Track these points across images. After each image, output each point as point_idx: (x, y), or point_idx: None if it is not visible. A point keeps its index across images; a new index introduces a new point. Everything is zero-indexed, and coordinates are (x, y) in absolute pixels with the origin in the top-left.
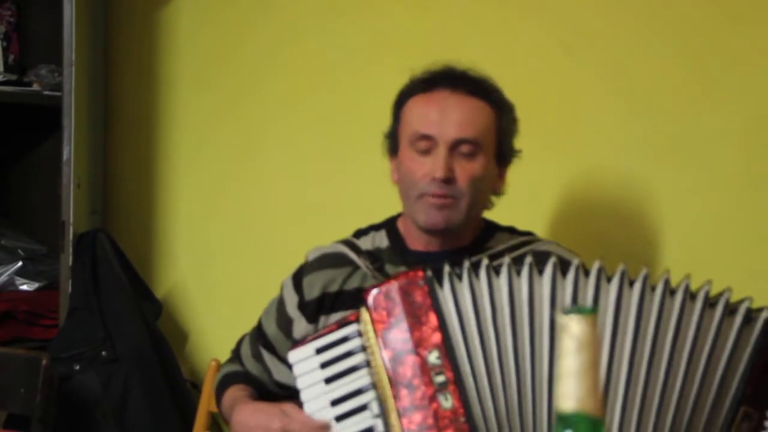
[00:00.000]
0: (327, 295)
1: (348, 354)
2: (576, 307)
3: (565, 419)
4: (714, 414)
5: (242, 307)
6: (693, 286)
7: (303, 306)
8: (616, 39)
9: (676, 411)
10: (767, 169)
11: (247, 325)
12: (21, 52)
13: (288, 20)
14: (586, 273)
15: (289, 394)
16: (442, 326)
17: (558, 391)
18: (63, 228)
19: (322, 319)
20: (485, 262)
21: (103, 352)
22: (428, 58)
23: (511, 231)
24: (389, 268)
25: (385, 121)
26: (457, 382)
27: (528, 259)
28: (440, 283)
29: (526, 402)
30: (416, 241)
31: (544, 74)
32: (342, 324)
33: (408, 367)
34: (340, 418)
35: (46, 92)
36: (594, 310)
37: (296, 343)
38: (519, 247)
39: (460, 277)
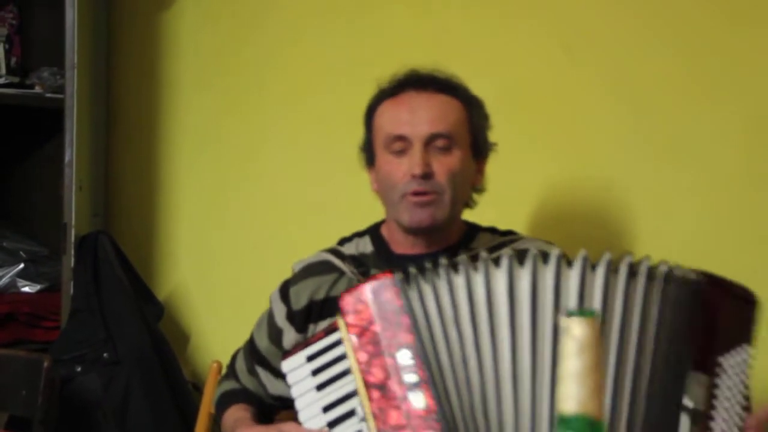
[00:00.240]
0: (314, 303)
1: (336, 360)
2: (578, 309)
3: (566, 421)
4: (667, 384)
5: (243, 309)
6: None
7: (291, 316)
8: (616, 39)
9: (633, 389)
10: (767, 169)
11: (248, 327)
12: (23, 54)
13: (289, 21)
14: (545, 260)
15: (286, 405)
16: (413, 326)
17: (559, 393)
18: (65, 230)
19: (311, 327)
20: (444, 261)
21: (105, 354)
22: (429, 58)
23: (493, 231)
24: (375, 273)
25: None
26: (429, 381)
27: (484, 255)
28: (410, 284)
29: (504, 398)
30: (400, 245)
31: (544, 74)
32: (329, 331)
33: (381, 369)
34: (332, 424)
35: (48, 95)
36: (595, 312)
37: (288, 352)
38: (501, 247)
39: (429, 278)
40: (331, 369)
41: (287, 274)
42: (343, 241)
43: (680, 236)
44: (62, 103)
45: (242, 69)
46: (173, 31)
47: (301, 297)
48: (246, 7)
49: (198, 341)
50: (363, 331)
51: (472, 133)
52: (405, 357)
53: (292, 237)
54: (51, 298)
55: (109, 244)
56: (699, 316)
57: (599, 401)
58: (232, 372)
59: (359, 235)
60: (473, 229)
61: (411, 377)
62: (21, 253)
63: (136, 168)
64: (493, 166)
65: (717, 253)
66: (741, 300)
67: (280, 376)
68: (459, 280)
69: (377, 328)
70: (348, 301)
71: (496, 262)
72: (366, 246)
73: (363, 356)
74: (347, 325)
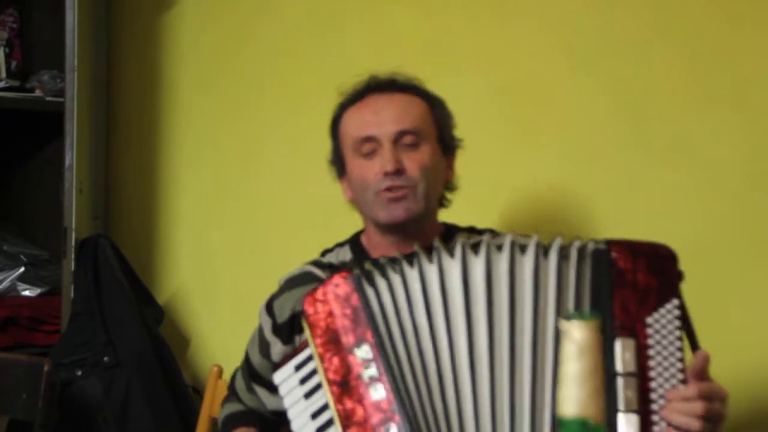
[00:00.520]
0: (297, 314)
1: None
2: (578, 312)
3: (565, 424)
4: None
5: (244, 313)
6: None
7: (276, 329)
8: (616, 41)
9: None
10: (767, 169)
11: (249, 331)
12: (23, 58)
13: (288, 24)
14: (499, 248)
15: (285, 420)
16: (370, 321)
17: (559, 396)
18: (65, 233)
19: (297, 339)
20: (399, 255)
21: (105, 358)
22: (430, 61)
23: (471, 230)
24: None
25: None
26: (387, 373)
27: (436, 244)
28: (366, 280)
29: (462, 385)
30: (379, 250)
31: (544, 76)
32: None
33: (343, 366)
34: (320, 430)
35: (49, 98)
36: (595, 316)
37: (279, 364)
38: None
39: (384, 273)
40: (316, 376)
41: None
42: (325, 252)
43: (680, 237)
44: (62, 107)
45: (242, 72)
46: (173, 34)
47: (284, 309)
48: (245, 10)
49: (198, 345)
50: (324, 331)
51: (437, 128)
52: (364, 352)
53: (292, 240)
54: (51, 301)
55: (110, 248)
56: (615, 283)
57: (599, 404)
58: (233, 392)
59: (340, 245)
60: (451, 230)
61: (371, 371)
62: (21, 256)
63: (136, 171)
64: (492, 167)
65: (717, 254)
66: (653, 256)
67: (276, 390)
68: (413, 273)
69: (337, 325)
70: (309, 302)
71: (451, 252)
72: (346, 254)
73: (326, 355)
74: (309, 325)
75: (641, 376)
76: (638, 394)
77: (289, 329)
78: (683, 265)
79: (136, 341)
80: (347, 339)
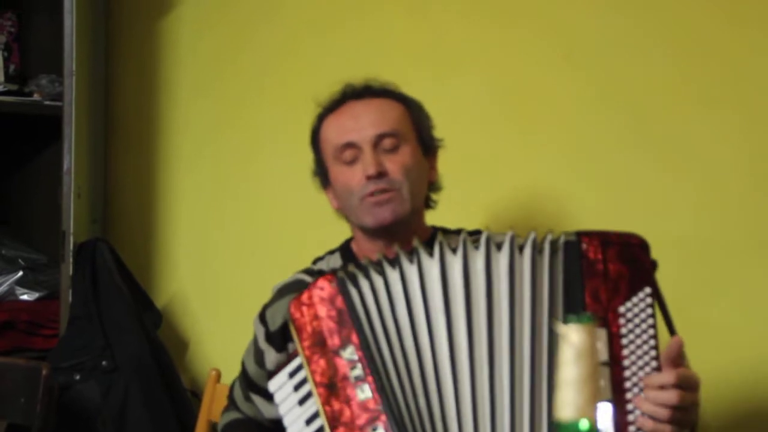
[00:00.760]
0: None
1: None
2: (575, 316)
3: (564, 428)
4: None
5: (242, 317)
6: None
7: (269, 337)
8: (615, 43)
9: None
10: (766, 170)
11: (248, 335)
12: (22, 62)
13: (287, 28)
14: (476, 245)
15: (282, 428)
16: (355, 323)
17: (557, 400)
18: (63, 237)
19: (290, 346)
20: (380, 256)
21: (104, 362)
22: (428, 64)
23: (459, 233)
24: None
25: None
26: (372, 373)
27: (416, 243)
28: (349, 282)
29: (444, 384)
30: (368, 255)
31: (543, 79)
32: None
33: (329, 368)
34: None
35: (47, 102)
36: (593, 319)
37: (274, 371)
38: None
39: (366, 274)
40: (309, 382)
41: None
42: (316, 260)
43: (680, 238)
44: (61, 111)
45: (240, 76)
46: (171, 38)
47: (276, 317)
48: (244, 14)
49: (197, 349)
50: (310, 334)
51: (416, 130)
52: (350, 353)
53: (290, 244)
54: (49, 305)
55: (108, 252)
56: (586, 273)
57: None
58: (231, 402)
59: (331, 252)
60: (439, 232)
61: (356, 372)
62: (19, 260)
63: (135, 175)
64: (492, 168)
65: (717, 254)
66: (624, 246)
67: (272, 398)
68: (394, 274)
69: (322, 328)
70: (296, 306)
71: (430, 252)
72: (336, 262)
73: (313, 357)
74: (296, 329)
75: (614, 365)
76: (612, 384)
77: (282, 337)
78: (682, 265)
79: (135, 345)
80: (333, 341)
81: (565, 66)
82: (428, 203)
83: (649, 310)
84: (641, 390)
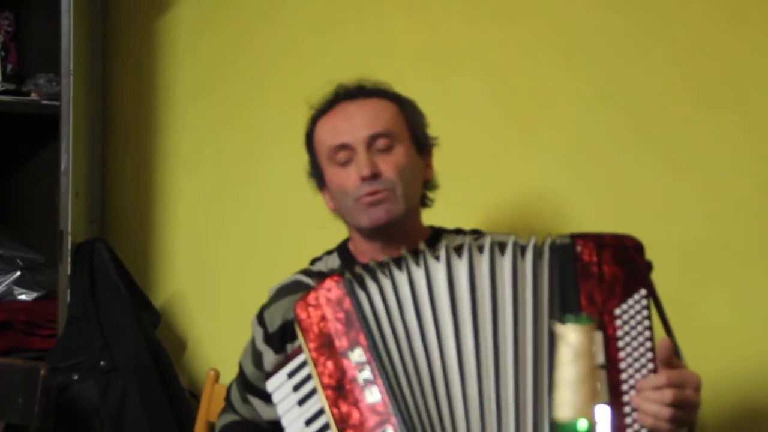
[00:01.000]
0: (288, 323)
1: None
2: (573, 316)
3: (563, 428)
4: None
5: (241, 317)
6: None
7: (268, 338)
8: (614, 43)
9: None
10: (766, 170)
11: (246, 335)
12: (19, 61)
13: (287, 28)
14: (480, 249)
15: (280, 429)
16: (363, 324)
17: (555, 400)
18: (61, 237)
19: (289, 347)
20: (387, 259)
21: (102, 362)
22: (428, 64)
23: (458, 232)
24: None
25: None
26: (382, 376)
27: (422, 247)
28: (357, 284)
29: (452, 386)
30: (366, 255)
31: (542, 79)
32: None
33: (337, 369)
34: None
35: (45, 101)
36: (591, 320)
37: (272, 371)
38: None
39: (374, 276)
40: (310, 383)
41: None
42: (314, 261)
43: (680, 238)
44: (58, 110)
45: (239, 75)
46: (170, 37)
47: (275, 319)
48: (243, 14)
49: (195, 349)
50: (317, 335)
51: (410, 129)
52: (358, 355)
53: (289, 243)
54: (47, 305)
55: (106, 252)
56: (580, 276)
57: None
58: (228, 404)
59: (329, 253)
60: (438, 233)
61: (365, 374)
62: (17, 260)
63: (133, 175)
64: (491, 168)
65: (717, 255)
66: (619, 248)
67: (270, 400)
68: (402, 276)
69: (330, 329)
70: (302, 307)
71: (436, 255)
72: (334, 262)
73: (320, 359)
74: (302, 330)
75: (611, 367)
76: (608, 386)
77: (281, 338)
78: (682, 264)
79: (133, 345)
80: (341, 343)
81: (565, 66)
82: (424, 201)
83: (645, 312)
84: (638, 391)
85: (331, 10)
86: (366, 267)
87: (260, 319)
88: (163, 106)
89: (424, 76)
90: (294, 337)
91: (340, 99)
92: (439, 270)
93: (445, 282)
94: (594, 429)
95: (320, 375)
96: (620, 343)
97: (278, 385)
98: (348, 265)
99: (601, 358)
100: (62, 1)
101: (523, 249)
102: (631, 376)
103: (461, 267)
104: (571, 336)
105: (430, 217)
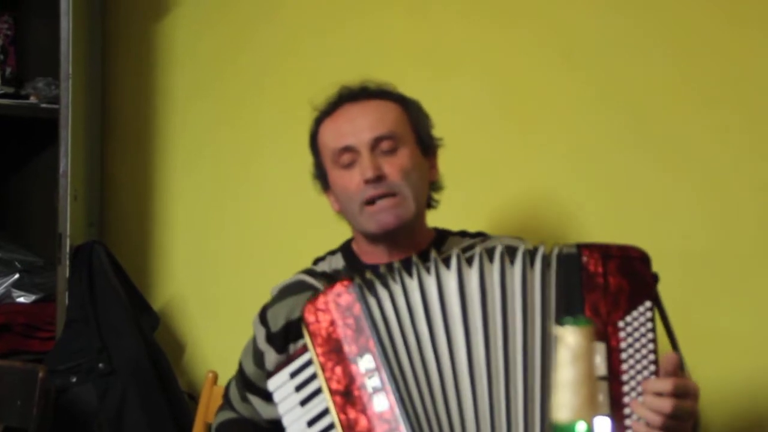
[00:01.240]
0: (291, 323)
1: (315, 376)
2: (571, 318)
3: (561, 430)
4: None
5: (240, 319)
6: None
7: (270, 338)
8: (614, 44)
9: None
10: (766, 171)
11: (245, 337)
12: (18, 65)
13: (287, 28)
14: (491, 258)
15: (280, 428)
16: (373, 331)
17: (554, 402)
18: (60, 240)
19: (291, 347)
20: (398, 265)
21: (100, 365)
22: (428, 65)
23: (463, 234)
24: None
25: None
26: (391, 383)
27: (434, 255)
28: (367, 289)
29: (463, 395)
30: (370, 256)
31: (542, 79)
32: (307, 347)
33: (345, 375)
34: None
35: (44, 105)
36: (589, 321)
37: (274, 370)
38: (470, 249)
39: (384, 282)
40: (312, 384)
41: None
42: (317, 261)
43: (680, 240)
44: (57, 114)
45: (238, 77)
46: (168, 40)
47: (278, 318)
48: (242, 16)
49: (194, 351)
50: (326, 340)
51: (414, 131)
52: (367, 362)
53: (289, 246)
54: (46, 308)
55: (105, 254)
56: (585, 286)
57: (594, 409)
58: (227, 402)
59: (332, 253)
60: (442, 235)
61: (374, 381)
62: (16, 263)
63: (132, 178)
64: (491, 169)
65: (717, 257)
66: (624, 259)
67: (271, 399)
68: (413, 283)
69: (339, 335)
70: (310, 311)
71: (447, 263)
72: (338, 262)
73: (328, 364)
74: (311, 334)
75: (613, 379)
76: (610, 398)
77: (283, 338)
78: (683, 266)
79: (132, 348)
80: (350, 348)
81: (565, 66)
82: (430, 203)
83: (649, 324)
84: (641, 393)
85: (330, 11)
86: (376, 273)
87: (263, 318)
88: (162, 109)
89: (424, 76)
90: (297, 338)
91: (344, 100)
92: (450, 278)
93: (456, 290)
94: None
95: (328, 380)
96: (623, 355)
97: (280, 385)
98: (352, 266)
99: (603, 370)
100: (61, 4)
101: (533, 258)
102: (633, 389)
103: (472, 276)
104: (570, 338)
105: (430, 218)
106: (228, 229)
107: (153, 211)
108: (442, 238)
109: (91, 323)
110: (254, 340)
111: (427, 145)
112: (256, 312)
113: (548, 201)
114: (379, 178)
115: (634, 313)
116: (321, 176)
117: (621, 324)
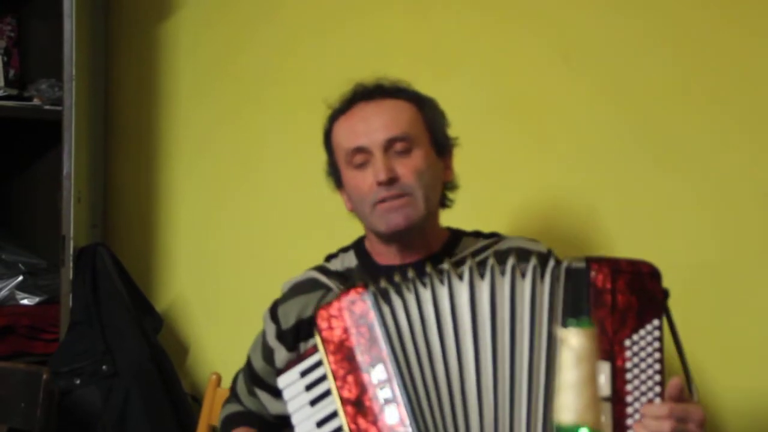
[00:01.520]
0: (302, 321)
1: (326, 376)
2: (574, 320)
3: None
4: None
5: (243, 321)
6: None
7: (281, 335)
8: (614, 46)
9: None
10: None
11: (248, 339)
12: (21, 66)
13: (287, 29)
14: (502, 271)
15: (288, 424)
16: (387, 341)
17: (557, 404)
18: (63, 242)
19: (302, 346)
20: (412, 274)
21: (104, 366)
22: (428, 66)
23: (477, 235)
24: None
25: None
26: (403, 395)
27: (446, 266)
28: (382, 298)
29: (470, 411)
30: (384, 256)
31: (542, 81)
32: (317, 343)
33: (356, 385)
34: None
35: (47, 107)
36: (593, 324)
37: (284, 368)
38: (484, 250)
39: (399, 291)
40: (323, 384)
41: None
42: (329, 258)
43: (680, 242)
44: (60, 115)
45: (240, 79)
46: (171, 42)
47: (289, 316)
48: (243, 17)
49: (197, 353)
50: (338, 347)
51: (429, 131)
52: (379, 372)
53: (291, 247)
54: (50, 310)
55: (108, 256)
56: (593, 303)
57: (597, 412)
58: (234, 394)
59: (344, 250)
60: (456, 235)
61: (386, 392)
62: (20, 265)
63: (135, 179)
64: (491, 172)
65: (717, 259)
66: (634, 275)
67: (279, 395)
68: (426, 294)
69: (352, 343)
70: (323, 317)
71: (460, 275)
72: (351, 260)
73: (339, 372)
74: (323, 340)
75: (617, 400)
76: (613, 419)
77: (294, 336)
78: (685, 269)
79: (135, 350)
80: (362, 358)
81: (565, 67)
82: (444, 202)
83: (657, 344)
84: (640, 417)
85: (331, 12)
86: (391, 280)
87: (273, 314)
88: (164, 110)
89: (424, 76)
90: (308, 336)
91: (358, 99)
92: (462, 290)
93: (468, 303)
94: None
95: (340, 389)
96: (628, 376)
97: (290, 383)
98: (365, 265)
99: (607, 391)
100: (64, 6)
101: (543, 271)
102: (636, 411)
103: (484, 289)
104: (573, 339)
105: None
106: (231, 230)
107: (156, 213)
108: (455, 238)
109: (95, 325)
110: (264, 336)
111: (441, 145)
112: (261, 309)
113: (547, 200)
114: (391, 180)
115: (642, 332)
116: (334, 174)
117: (628, 343)
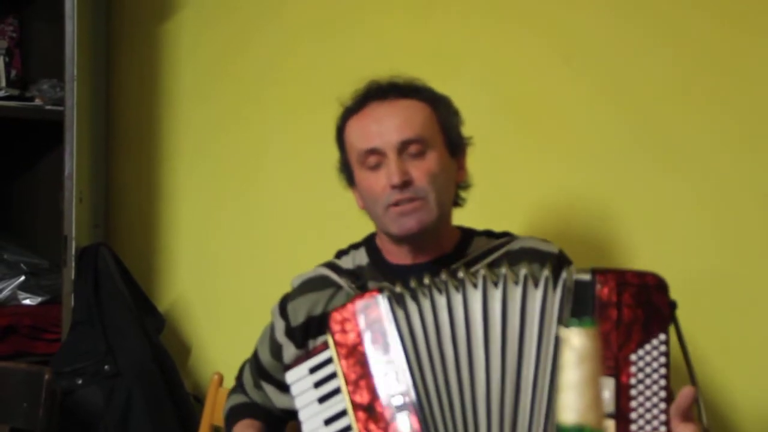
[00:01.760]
0: (312, 318)
1: (335, 374)
2: (577, 320)
3: (565, 431)
4: None
5: (245, 321)
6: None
7: (290, 332)
8: (615, 48)
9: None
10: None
11: (250, 338)
12: (23, 67)
13: (288, 32)
14: (516, 281)
15: (294, 417)
16: (401, 346)
17: (559, 404)
18: (65, 242)
19: (311, 343)
20: (427, 280)
21: (106, 366)
22: (430, 68)
23: (488, 235)
24: (371, 285)
25: None
26: (416, 403)
27: (461, 274)
28: (397, 303)
29: (480, 422)
30: (395, 256)
31: (543, 84)
32: (328, 345)
33: (368, 390)
34: None
35: (48, 107)
36: (594, 323)
37: (292, 363)
38: (496, 250)
39: (414, 296)
40: (332, 382)
41: (288, 285)
42: (340, 254)
43: (681, 244)
44: (62, 116)
45: (241, 79)
46: (172, 42)
47: (298, 313)
48: (245, 18)
49: (199, 353)
50: (351, 351)
51: (443, 132)
52: (392, 379)
53: (292, 247)
54: (52, 310)
55: (110, 256)
56: (598, 316)
57: (599, 412)
58: (239, 385)
59: (355, 247)
60: (468, 235)
61: (397, 399)
62: (22, 265)
63: (137, 179)
64: (493, 173)
65: (717, 259)
66: (639, 287)
67: (285, 389)
68: (442, 300)
69: (365, 347)
70: (336, 320)
71: (474, 282)
72: (362, 258)
73: (352, 376)
74: (336, 344)
75: (620, 417)
76: None
77: (303, 333)
78: (683, 267)
79: (137, 350)
80: (375, 364)
81: (566, 68)
82: (457, 201)
83: (662, 359)
84: None
85: (332, 13)
86: (406, 285)
87: (282, 310)
88: (165, 111)
89: (425, 77)
90: (317, 334)
91: (372, 98)
92: (476, 299)
93: (481, 311)
94: None
95: (351, 394)
96: (633, 392)
97: (298, 378)
98: (376, 263)
99: (611, 407)
100: (66, 6)
101: (555, 282)
102: (641, 428)
103: (496, 297)
104: (575, 339)
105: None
106: (232, 230)
107: (157, 213)
108: (467, 238)
109: (97, 325)
110: (272, 330)
111: (455, 145)
112: (264, 308)
113: (547, 201)
114: (405, 184)
115: (647, 347)
116: (346, 172)
117: (633, 357)
